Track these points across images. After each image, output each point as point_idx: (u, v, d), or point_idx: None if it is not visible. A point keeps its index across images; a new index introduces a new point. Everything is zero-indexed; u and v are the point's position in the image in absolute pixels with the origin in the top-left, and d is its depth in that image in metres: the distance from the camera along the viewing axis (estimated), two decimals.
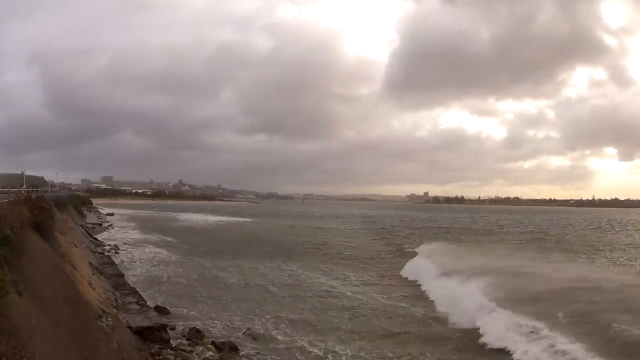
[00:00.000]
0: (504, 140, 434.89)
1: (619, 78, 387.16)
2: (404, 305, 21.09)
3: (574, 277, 23.81)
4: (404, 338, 16.42)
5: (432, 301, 21.52)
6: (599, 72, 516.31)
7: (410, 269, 29.54)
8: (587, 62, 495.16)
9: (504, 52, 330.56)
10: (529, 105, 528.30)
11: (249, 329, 16.56)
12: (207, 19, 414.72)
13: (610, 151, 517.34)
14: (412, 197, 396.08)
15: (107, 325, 12.11)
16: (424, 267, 28.86)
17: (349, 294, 23.23)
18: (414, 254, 35.80)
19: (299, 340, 15.59)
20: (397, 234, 61.47)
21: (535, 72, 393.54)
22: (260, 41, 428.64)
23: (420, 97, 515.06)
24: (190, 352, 13.64)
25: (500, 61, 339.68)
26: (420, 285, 25.28)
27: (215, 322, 17.36)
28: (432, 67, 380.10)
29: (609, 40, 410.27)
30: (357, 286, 25.34)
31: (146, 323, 14.42)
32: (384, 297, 22.74)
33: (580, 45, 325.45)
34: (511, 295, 19.39)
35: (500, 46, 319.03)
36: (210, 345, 14.38)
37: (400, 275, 28.76)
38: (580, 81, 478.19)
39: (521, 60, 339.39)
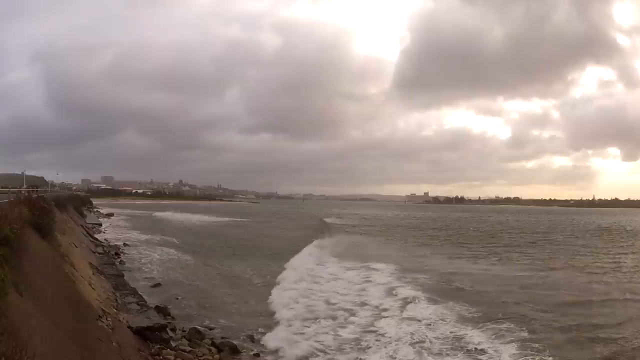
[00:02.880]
0: (508, 140, 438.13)
1: (628, 78, 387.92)
2: None
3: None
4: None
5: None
6: (608, 72, 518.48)
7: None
8: (598, 62, 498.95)
9: (517, 51, 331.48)
10: (535, 105, 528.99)
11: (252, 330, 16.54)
12: (214, 17, 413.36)
13: (614, 151, 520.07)
14: (412, 197, 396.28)
15: (107, 326, 12.10)
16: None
17: None
18: None
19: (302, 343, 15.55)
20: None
21: (546, 71, 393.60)
22: (269, 39, 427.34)
23: (429, 97, 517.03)
24: (191, 352, 13.63)
25: (513, 60, 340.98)
26: None
27: (222, 322, 17.41)
28: (443, 66, 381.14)
29: (621, 40, 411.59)
30: None
31: (146, 323, 14.41)
32: None
33: (592, 45, 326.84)
34: None
35: (513, 45, 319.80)
36: (210, 346, 14.37)
37: None
38: (589, 81, 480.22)
39: (533, 59, 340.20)
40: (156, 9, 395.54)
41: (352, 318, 17.79)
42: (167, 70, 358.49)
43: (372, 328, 16.40)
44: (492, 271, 29.97)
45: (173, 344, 14.00)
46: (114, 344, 11.03)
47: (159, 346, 13.43)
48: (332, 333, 15.96)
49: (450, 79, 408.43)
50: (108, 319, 12.85)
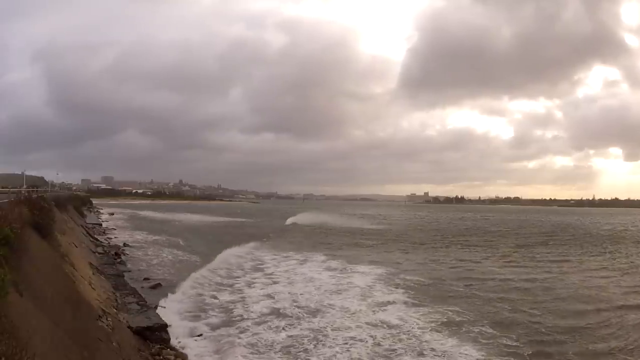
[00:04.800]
0: (511, 140, 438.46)
1: (634, 78, 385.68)
2: None
3: None
4: None
5: None
6: (614, 72, 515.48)
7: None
8: (605, 62, 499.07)
9: (525, 51, 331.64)
10: (539, 104, 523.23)
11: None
12: (219, 15, 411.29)
13: (615, 151, 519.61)
14: (412, 197, 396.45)
15: (107, 326, 12.10)
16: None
17: None
18: None
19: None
20: None
21: (552, 71, 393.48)
22: (274, 38, 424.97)
23: (434, 96, 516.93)
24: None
25: (520, 60, 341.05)
26: None
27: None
28: (450, 65, 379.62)
29: (629, 40, 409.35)
30: None
31: (146, 323, 14.41)
32: None
33: (600, 44, 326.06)
34: None
35: (522, 44, 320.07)
36: None
37: None
38: (594, 81, 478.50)
39: (541, 59, 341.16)
40: (159, 7, 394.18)
41: (313, 319, 17.57)
42: (170, 69, 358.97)
43: (329, 329, 16.19)
44: (497, 274, 28.64)
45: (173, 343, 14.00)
46: (114, 344, 11.03)
47: (159, 346, 13.43)
48: (284, 331, 15.99)
49: (457, 78, 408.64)
50: (108, 319, 12.85)
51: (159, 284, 23.53)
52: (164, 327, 14.63)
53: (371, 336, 15.42)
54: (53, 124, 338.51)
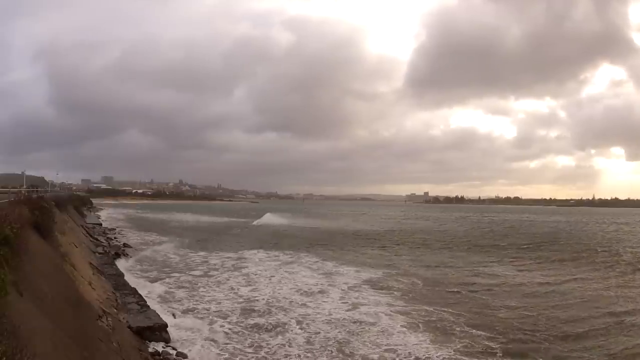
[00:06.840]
0: (514, 140, 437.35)
1: (639, 78, 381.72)
2: None
3: None
4: None
5: None
6: (620, 72, 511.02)
7: None
8: (612, 62, 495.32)
9: (533, 50, 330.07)
10: (544, 104, 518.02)
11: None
12: (225, 13, 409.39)
13: (617, 151, 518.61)
14: (412, 197, 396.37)
15: (107, 326, 12.10)
16: None
17: None
18: None
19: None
20: None
21: (560, 70, 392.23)
22: (280, 37, 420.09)
23: (440, 95, 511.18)
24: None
25: (528, 59, 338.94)
26: None
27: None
28: (457, 64, 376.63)
29: (637, 40, 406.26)
30: None
31: (146, 323, 14.41)
32: None
33: (608, 43, 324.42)
34: None
35: (531, 43, 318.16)
36: None
37: None
38: (600, 80, 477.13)
39: (549, 58, 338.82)
40: (163, 5, 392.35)
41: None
42: (174, 67, 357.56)
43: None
44: (496, 277, 27.60)
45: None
46: (114, 344, 11.02)
47: (161, 345, 13.41)
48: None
49: (464, 77, 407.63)
50: (108, 319, 12.84)
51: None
52: (164, 327, 14.63)
53: (337, 330, 15.67)
54: (54, 123, 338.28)
